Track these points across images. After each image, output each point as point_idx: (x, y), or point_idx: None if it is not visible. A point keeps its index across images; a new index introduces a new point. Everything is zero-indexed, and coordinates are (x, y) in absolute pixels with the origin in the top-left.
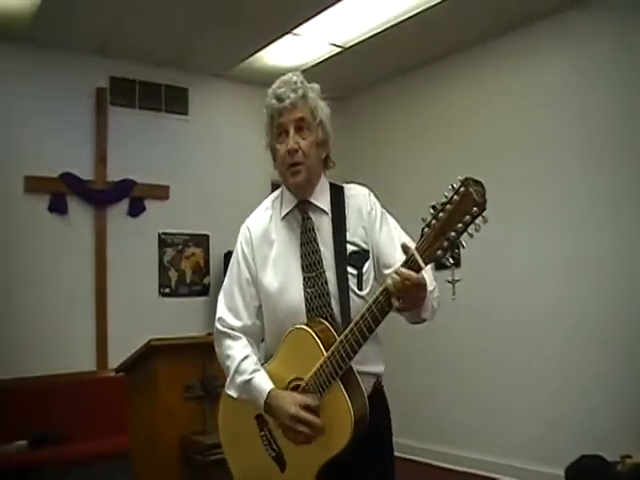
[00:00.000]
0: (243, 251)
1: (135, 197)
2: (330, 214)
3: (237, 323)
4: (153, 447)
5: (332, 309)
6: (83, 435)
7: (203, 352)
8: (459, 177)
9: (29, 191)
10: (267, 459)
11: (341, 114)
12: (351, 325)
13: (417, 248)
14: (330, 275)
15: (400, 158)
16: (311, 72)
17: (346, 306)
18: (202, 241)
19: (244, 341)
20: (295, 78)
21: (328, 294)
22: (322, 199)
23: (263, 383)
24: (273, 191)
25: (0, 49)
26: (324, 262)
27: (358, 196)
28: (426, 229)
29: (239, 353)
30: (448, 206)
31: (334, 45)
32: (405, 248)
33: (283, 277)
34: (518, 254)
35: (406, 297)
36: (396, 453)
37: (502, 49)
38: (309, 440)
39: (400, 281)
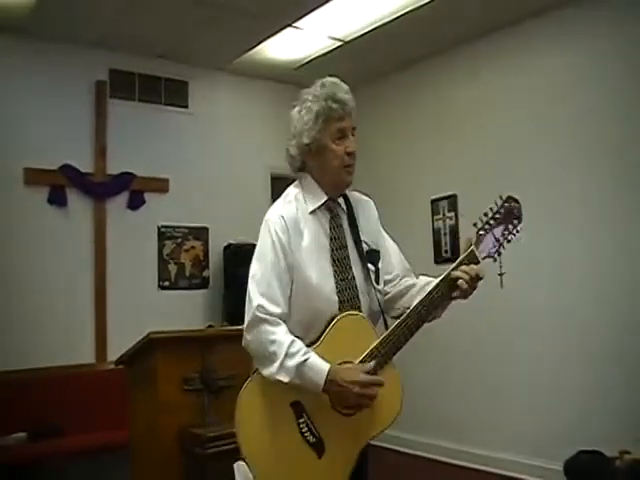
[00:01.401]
0: (280, 239)
1: (135, 190)
2: (346, 214)
3: (276, 310)
4: (152, 440)
5: (360, 301)
6: (82, 427)
7: (203, 345)
8: (502, 195)
9: (29, 183)
10: (303, 446)
11: None
12: (410, 311)
13: (476, 246)
14: (356, 270)
15: (400, 152)
16: (311, 65)
17: (372, 299)
18: (202, 234)
19: (285, 327)
20: (346, 86)
21: (356, 287)
22: (341, 200)
23: (320, 362)
24: (272, 184)
25: None
26: (350, 258)
27: (364, 202)
28: (481, 232)
29: (285, 338)
30: (497, 216)
31: (334, 39)
32: (467, 245)
33: (317, 268)
34: (519, 250)
35: (470, 287)
36: (398, 448)
37: (502, 45)
38: (369, 405)
39: (473, 273)
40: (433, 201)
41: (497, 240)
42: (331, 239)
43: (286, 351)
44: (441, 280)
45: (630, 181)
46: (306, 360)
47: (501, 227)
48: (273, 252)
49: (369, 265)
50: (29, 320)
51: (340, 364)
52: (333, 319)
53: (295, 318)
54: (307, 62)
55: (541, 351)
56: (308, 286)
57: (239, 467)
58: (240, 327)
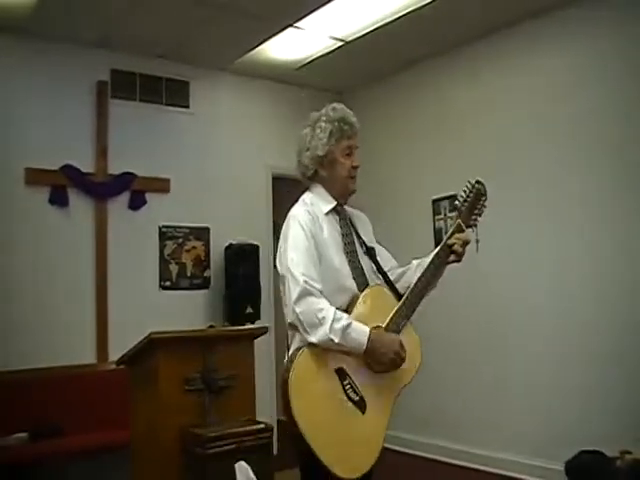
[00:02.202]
0: (310, 229)
1: (136, 190)
2: (348, 220)
3: (318, 286)
4: (153, 440)
5: (369, 282)
6: (83, 428)
7: (204, 345)
8: (471, 180)
9: (30, 183)
10: (349, 405)
11: None
12: (418, 276)
13: (460, 218)
14: (362, 261)
15: (401, 152)
16: (312, 66)
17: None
18: (203, 234)
19: (326, 299)
20: (351, 112)
21: (365, 274)
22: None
23: (361, 325)
24: (273, 184)
25: (0, 41)
26: (357, 251)
27: (360, 214)
28: (462, 208)
29: (330, 306)
30: (471, 195)
31: (335, 39)
32: (455, 218)
33: (337, 257)
34: (519, 250)
35: (462, 251)
36: (397, 447)
37: (503, 45)
38: (400, 365)
39: (463, 238)
40: (434, 201)
41: (473, 213)
42: (342, 235)
43: (333, 316)
44: (440, 248)
45: (630, 181)
46: (350, 323)
47: (475, 203)
48: (305, 240)
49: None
50: (30, 320)
51: (373, 329)
52: (354, 297)
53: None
54: (308, 62)
55: (541, 351)
56: (332, 269)
57: (240, 467)
58: (241, 327)
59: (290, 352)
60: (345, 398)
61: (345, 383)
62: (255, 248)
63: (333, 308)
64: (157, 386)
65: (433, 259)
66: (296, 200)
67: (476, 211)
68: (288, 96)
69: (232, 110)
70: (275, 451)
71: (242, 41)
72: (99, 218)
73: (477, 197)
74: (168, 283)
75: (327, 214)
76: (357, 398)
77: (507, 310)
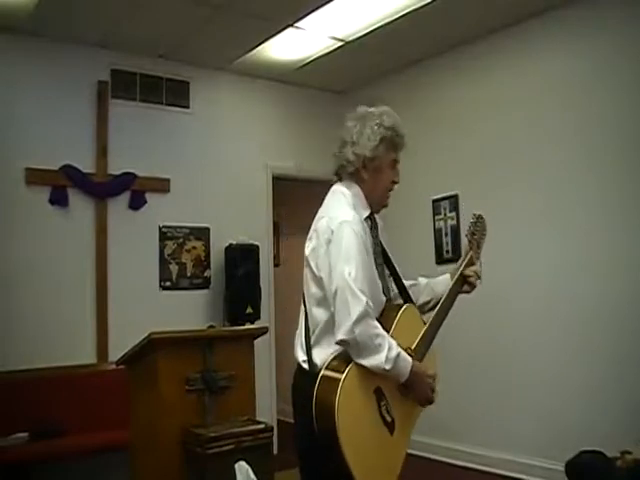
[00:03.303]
0: (364, 241)
1: (136, 190)
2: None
3: (372, 305)
4: (153, 440)
5: (391, 296)
6: (84, 427)
7: (204, 345)
8: (476, 213)
9: (30, 183)
10: (381, 425)
11: (342, 107)
12: (440, 304)
13: (472, 250)
14: (386, 273)
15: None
16: (312, 65)
17: (396, 298)
18: (203, 234)
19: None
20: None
21: (389, 287)
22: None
23: (406, 355)
24: (274, 184)
25: (1, 41)
26: (384, 262)
27: (377, 217)
28: (473, 241)
29: (383, 331)
30: (478, 228)
31: (335, 39)
32: (466, 251)
33: (375, 269)
34: (521, 252)
35: (475, 285)
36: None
37: (504, 45)
38: (433, 399)
39: (477, 271)
40: (434, 201)
41: (480, 247)
42: (374, 244)
43: (388, 344)
44: (456, 279)
45: (633, 183)
46: (400, 352)
47: (479, 237)
48: (361, 253)
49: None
50: (30, 320)
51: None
52: (387, 309)
53: None
54: (308, 62)
55: (543, 352)
56: (374, 283)
57: (240, 467)
58: (241, 327)
59: (316, 356)
60: (379, 418)
61: (382, 404)
62: (255, 248)
63: (386, 334)
64: (157, 386)
65: (451, 288)
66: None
67: (480, 245)
68: (288, 96)
69: (232, 110)
70: (275, 451)
71: (242, 41)
72: (99, 218)
73: (481, 231)
74: (168, 283)
75: (364, 221)
76: (390, 419)
77: (509, 312)
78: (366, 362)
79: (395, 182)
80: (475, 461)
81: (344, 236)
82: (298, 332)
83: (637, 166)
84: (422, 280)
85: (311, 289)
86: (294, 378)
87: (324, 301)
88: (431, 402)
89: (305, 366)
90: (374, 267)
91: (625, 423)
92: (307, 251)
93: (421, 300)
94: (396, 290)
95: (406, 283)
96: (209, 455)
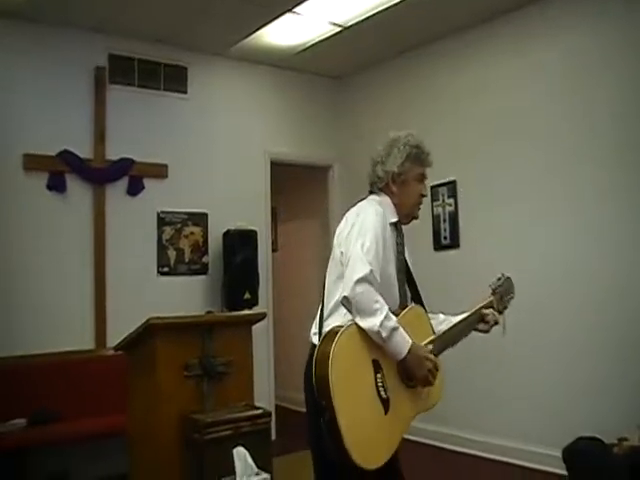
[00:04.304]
0: (381, 225)
1: (134, 176)
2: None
3: (378, 279)
4: (151, 425)
5: (408, 303)
6: (82, 413)
7: (202, 331)
8: (504, 274)
9: (28, 169)
10: (375, 399)
11: (340, 93)
12: (453, 324)
13: (494, 297)
14: (406, 284)
15: None
16: (311, 51)
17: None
18: (201, 220)
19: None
20: None
21: (406, 295)
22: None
23: (406, 334)
24: (272, 169)
25: None
26: (404, 269)
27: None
28: (497, 290)
29: (384, 302)
30: (504, 284)
31: (334, 24)
32: (485, 297)
33: (392, 267)
34: (522, 238)
35: (492, 324)
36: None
37: (503, 30)
38: (432, 384)
39: (497, 317)
40: (432, 187)
41: (502, 301)
42: (397, 252)
43: (386, 313)
44: (471, 313)
45: (634, 162)
46: (397, 327)
47: (505, 294)
48: (377, 238)
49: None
50: (28, 306)
51: None
52: (398, 309)
53: None
54: (307, 48)
55: (543, 339)
56: (387, 276)
57: (238, 452)
58: (239, 313)
59: (326, 327)
60: (374, 390)
61: (378, 376)
62: (253, 234)
63: (387, 306)
64: (155, 372)
65: (464, 318)
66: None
67: (505, 300)
68: (286, 81)
69: (230, 95)
70: (273, 436)
71: (240, 26)
72: (97, 204)
73: (507, 290)
74: (166, 269)
75: (390, 225)
76: (385, 396)
77: (513, 301)
78: (363, 323)
79: (423, 195)
80: (474, 447)
81: (366, 217)
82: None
83: (635, 151)
84: (441, 315)
85: (332, 268)
86: (308, 359)
87: (342, 277)
88: (427, 384)
89: (315, 339)
90: (393, 265)
91: (623, 410)
92: (335, 236)
93: (441, 329)
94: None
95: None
96: (207, 441)
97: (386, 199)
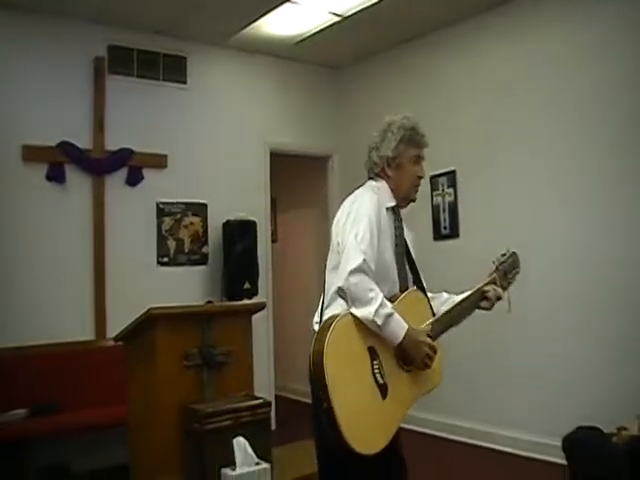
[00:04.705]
0: (375, 213)
1: (133, 166)
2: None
3: (373, 267)
4: (151, 416)
5: (409, 286)
6: (82, 404)
7: (202, 321)
8: (509, 249)
9: (27, 160)
10: (373, 384)
11: (339, 83)
12: (454, 304)
13: (497, 274)
14: (407, 263)
15: None
16: (310, 41)
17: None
18: (200, 210)
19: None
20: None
21: (407, 278)
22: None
23: (402, 319)
24: (271, 160)
25: None
26: (404, 255)
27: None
28: (500, 267)
29: (379, 291)
30: (508, 260)
31: (333, 14)
32: (489, 274)
33: (389, 252)
34: (522, 228)
35: (494, 300)
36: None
37: (503, 20)
38: (430, 366)
39: (497, 291)
40: (432, 177)
41: (507, 278)
42: (395, 235)
43: (381, 301)
44: (474, 291)
45: (632, 150)
46: (393, 313)
47: (509, 270)
48: (371, 224)
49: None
50: (28, 297)
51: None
52: (396, 294)
53: None
54: (306, 38)
55: (543, 328)
56: (383, 262)
57: (238, 442)
58: (239, 303)
59: (326, 316)
60: (372, 377)
61: (374, 363)
62: (253, 224)
63: (382, 294)
64: (155, 362)
65: (466, 297)
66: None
67: (509, 277)
68: (286, 71)
69: (230, 85)
70: (273, 426)
71: (240, 16)
72: (96, 194)
73: (512, 265)
74: (166, 259)
75: (387, 210)
76: (382, 382)
77: (513, 290)
78: (358, 312)
79: (420, 177)
80: (474, 437)
81: (361, 205)
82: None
83: (636, 135)
84: (445, 294)
85: (331, 257)
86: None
87: (339, 266)
88: (425, 366)
89: (316, 328)
90: (391, 249)
91: (622, 399)
92: (333, 225)
93: (442, 310)
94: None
95: (429, 295)
96: (207, 431)
97: (383, 184)
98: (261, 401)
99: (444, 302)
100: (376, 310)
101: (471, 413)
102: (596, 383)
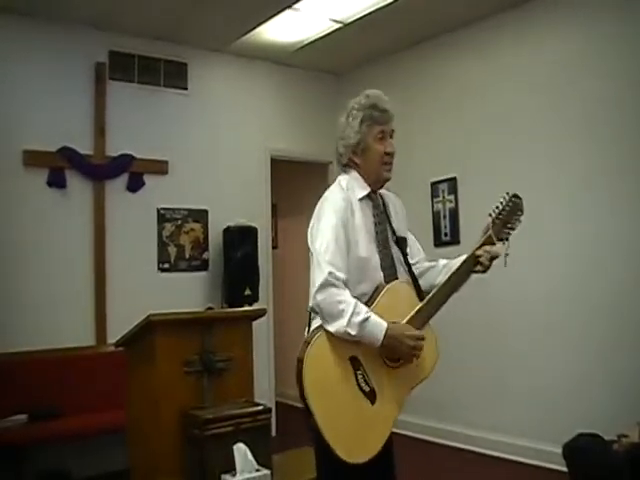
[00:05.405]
0: (341, 218)
1: (134, 172)
2: (382, 206)
3: (342, 276)
4: (151, 422)
5: (398, 277)
6: (82, 409)
7: (202, 327)
8: (509, 193)
9: (28, 165)
10: (359, 395)
11: (340, 89)
12: (443, 281)
13: (492, 230)
14: (393, 250)
15: (399, 133)
16: (311, 47)
17: (405, 275)
18: (201, 216)
19: (348, 291)
20: (386, 97)
21: (394, 265)
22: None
23: (380, 320)
24: (272, 166)
25: None
26: (389, 240)
27: (394, 199)
28: (496, 220)
29: (351, 299)
30: (507, 208)
31: (334, 21)
32: (484, 230)
33: (366, 245)
34: (524, 234)
35: (489, 264)
36: (398, 430)
37: (504, 26)
38: (418, 356)
39: (492, 252)
40: (433, 184)
41: (507, 227)
42: (375, 224)
43: (352, 310)
44: (467, 257)
45: (635, 163)
46: (369, 317)
47: (509, 217)
48: (336, 229)
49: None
50: (29, 302)
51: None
52: (380, 287)
53: (349, 286)
54: (307, 44)
55: (539, 332)
56: (360, 259)
57: (239, 449)
58: (239, 309)
59: (310, 331)
60: (356, 387)
61: (358, 373)
62: (254, 230)
63: (354, 301)
64: (155, 368)
65: (459, 267)
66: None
67: (509, 225)
68: (286, 78)
69: (230, 92)
70: (273, 433)
71: (240, 23)
72: (97, 200)
73: (513, 211)
74: (166, 265)
75: (361, 200)
76: (368, 389)
77: (510, 294)
78: (331, 327)
79: (388, 153)
80: (474, 443)
81: (323, 213)
82: None
83: (637, 137)
84: (442, 261)
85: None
86: None
87: None
88: (412, 357)
89: (306, 335)
90: (367, 243)
91: (623, 406)
92: (308, 230)
93: (438, 280)
94: (405, 268)
95: (426, 264)
96: (207, 437)
97: (353, 174)
98: (261, 407)
99: (441, 271)
100: (348, 321)
101: (471, 420)
102: (597, 390)
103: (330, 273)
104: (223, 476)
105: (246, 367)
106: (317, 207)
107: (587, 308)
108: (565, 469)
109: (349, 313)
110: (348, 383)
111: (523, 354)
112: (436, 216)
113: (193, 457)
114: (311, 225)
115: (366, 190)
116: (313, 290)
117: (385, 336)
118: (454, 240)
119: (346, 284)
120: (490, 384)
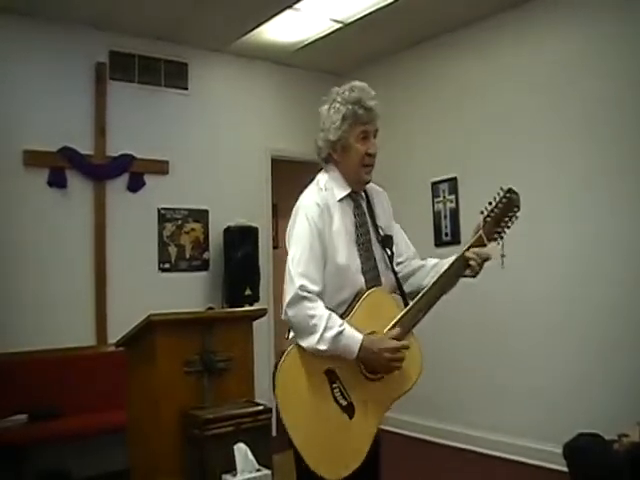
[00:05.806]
0: (316, 224)
1: (134, 172)
2: (366, 203)
3: (315, 288)
4: (152, 421)
5: (381, 280)
6: (82, 409)
7: (203, 327)
8: (503, 187)
9: (28, 165)
10: (336, 409)
11: None
12: (428, 286)
13: (483, 230)
14: (376, 253)
15: (400, 134)
16: (311, 47)
17: (390, 278)
18: (202, 216)
19: (322, 303)
20: (373, 92)
21: (377, 268)
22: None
23: (354, 332)
24: (273, 165)
25: None
26: (372, 242)
27: (380, 193)
28: (488, 219)
29: (323, 312)
30: (500, 205)
31: (335, 21)
32: (475, 230)
33: (346, 250)
34: (524, 234)
35: (479, 266)
36: (396, 429)
37: (504, 26)
38: (399, 368)
39: (482, 254)
40: (433, 184)
41: (500, 225)
42: (356, 226)
43: (325, 324)
44: (455, 260)
45: (635, 163)
46: (342, 331)
47: (503, 214)
48: (310, 237)
49: (386, 249)
50: (29, 302)
51: (369, 334)
52: (360, 294)
53: (328, 294)
54: (307, 44)
55: (538, 331)
56: (338, 266)
57: (239, 449)
58: (240, 309)
59: (289, 338)
60: (333, 401)
61: (334, 386)
62: (254, 230)
63: (327, 314)
64: (156, 368)
65: (447, 270)
66: (305, 181)
67: (503, 223)
68: (287, 78)
69: (231, 92)
70: (274, 433)
71: (240, 23)
72: (98, 200)
73: (508, 208)
74: (167, 265)
75: (341, 200)
76: (345, 403)
77: (509, 295)
78: (303, 343)
79: (369, 154)
80: (475, 444)
81: (297, 221)
82: None
83: (637, 137)
84: (431, 261)
85: None
86: None
87: None
88: (391, 370)
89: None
90: (346, 247)
91: (623, 406)
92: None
93: (425, 282)
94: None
95: (414, 263)
96: (208, 437)
97: (333, 172)
98: (262, 407)
99: (429, 272)
100: (320, 336)
101: (471, 420)
102: (597, 390)
103: (301, 286)
104: (224, 476)
105: (246, 367)
106: (293, 211)
107: (587, 308)
108: (565, 469)
109: (321, 328)
110: (324, 397)
111: (523, 354)
112: (437, 216)
113: (193, 457)
114: (287, 230)
115: (346, 190)
116: (284, 306)
117: (360, 349)
118: (455, 240)
119: (320, 295)
120: (490, 384)
